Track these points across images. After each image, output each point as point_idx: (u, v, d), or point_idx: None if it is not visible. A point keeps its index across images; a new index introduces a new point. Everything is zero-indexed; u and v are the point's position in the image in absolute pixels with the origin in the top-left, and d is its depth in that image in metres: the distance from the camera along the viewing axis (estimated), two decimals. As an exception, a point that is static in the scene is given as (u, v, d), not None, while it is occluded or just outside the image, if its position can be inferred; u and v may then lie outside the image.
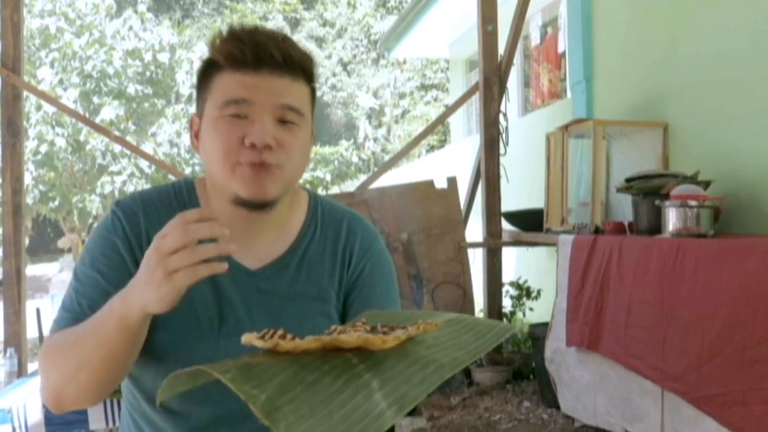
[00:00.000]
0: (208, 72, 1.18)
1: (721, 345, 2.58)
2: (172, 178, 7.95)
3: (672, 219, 3.16)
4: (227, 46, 1.14)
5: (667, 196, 3.26)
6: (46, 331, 5.17)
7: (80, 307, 1.15)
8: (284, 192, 1.20)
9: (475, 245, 5.03)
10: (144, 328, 1.06)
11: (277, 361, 0.85)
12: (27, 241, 6.32)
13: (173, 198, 1.25)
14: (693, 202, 3.12)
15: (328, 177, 16.24)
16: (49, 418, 2.61)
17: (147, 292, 0.97)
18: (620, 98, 4.65)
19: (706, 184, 3.37)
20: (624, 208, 4.02)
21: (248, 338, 0.87)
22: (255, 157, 1.13)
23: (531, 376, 4.71)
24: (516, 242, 5.11)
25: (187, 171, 12.18)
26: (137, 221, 1.20)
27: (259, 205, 1.17)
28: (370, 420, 0.76)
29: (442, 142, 15.83)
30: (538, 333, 4.22)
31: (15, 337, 4.68)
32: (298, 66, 1.17)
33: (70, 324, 1.14)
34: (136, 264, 1.17)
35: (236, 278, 1.21)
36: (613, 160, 4.42)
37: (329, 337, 0.85)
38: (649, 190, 3.45)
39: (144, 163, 11.65)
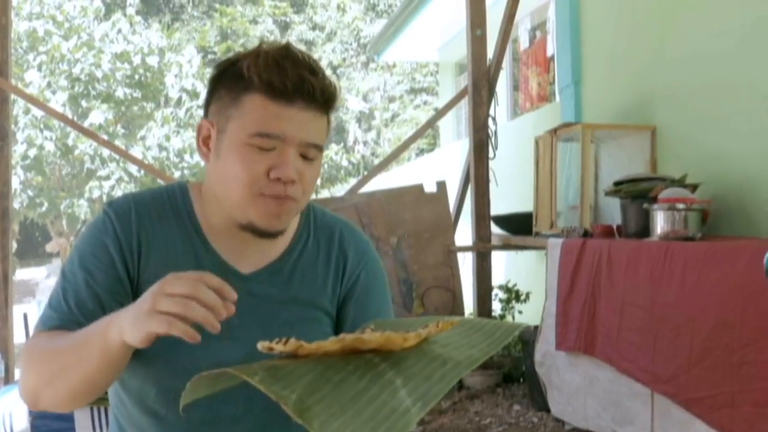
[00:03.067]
0: (237, 86, 1.15)
1: (709, 347, 2.59)
2: (161, 182, 7.92)
3: (660, 222, 3.17)
4: (269, 74, 1.11)
5: (655, 199, 3.27)
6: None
7: (67, 307, 1.14)
8: (292, 219, 1.23)
9: (464, 249, 5.03)
10: (124, 356, 1.03)
11: (301, 363, 0.87)
12: (14, 245, 6.27)
13: (166, 201, 1.24)
14: (681, 205, 3.13)
15: (318, 181, 16.21)
16: (36, 426, 2.59)
17: (129, 318, 0.96)
18: (608, 102, 4.66)
19: (694, 187, 3.38)
20: (613, 212, 4.03)
21: (264, 345, 0.89)
22: (278, 191, 1.14)
23: (521, 380, 4.71)
24: (505, 246, 5.11)
25: (176, 175, 12.15)
26: (129, 222, 1.20)
27: (269, 235, 1.19)
28: (397, 417, 0.79)
29: (432, 146, 15.85)
30: (527, 336, 4.22)
31: (2, 343, 4.65)
32: (330, 101, 1.18)
33: (57, 324, 1.13)
34: (126, 266, 1.17)
35: (228, 282, 1.20)
36: (601, 164, 4.44)
37: (351, 337, 0.87)
38: (638, 194, 3.46)
39: (133, 168, 11.63)
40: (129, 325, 0.95)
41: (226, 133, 1.15)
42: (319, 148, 1.18)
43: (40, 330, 1.14)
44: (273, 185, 1.14)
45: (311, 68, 1.14)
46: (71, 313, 1.13)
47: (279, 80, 1.11)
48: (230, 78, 1.16)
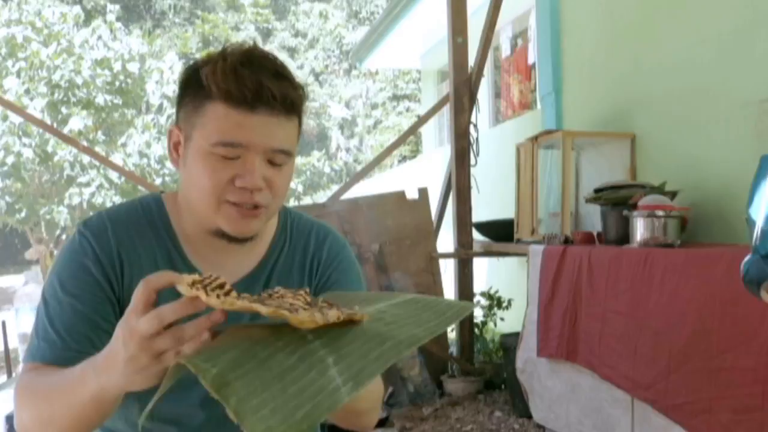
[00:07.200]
0: (198, 94, 1.12)
1: (688, 354, 2.61)
2: (142, 189, 7.87)
3: (640, 229, 3.20)
4: (227, 83, 1.08)
5: (634, 207, 3.30)
6: (11, 344, 5.08)
7: (57, 335, 1.11)
8: (265, 224, 1.21)
9: (446, 256, 5.04)
10: (120, 399, 1.00)
11: (229, 337, 0.85)
12: (-8, 253, 6.19)
13: (142, 216, 1.23)
14: (660, 212, 3.16)
15: (300, 188, 16.23)
16: (13, 434, 2.56)
17: (131, 374, 0.90)
18: (588, 109, 4.70)
19: (673, 195, 3.41)
20: (593, 219, 4.06)
21: (191, 293, 0.85)
22: (244, 198, 1.12)
23: (502, 386, 4.72)
24: (487, 253, 5.13)
25: (158, 182, 12.07)
26: (107, 240, 1.18)
27: (240, 240, 1.17)
28: (324, 396, 0.76)
29: (414, 153, 15.88)
30: (509, 343, 4.23)
31: (-21, 352, 4.59)
32: (294, 105, 1.14)
33: (49, 357, 1.10)
34: (111, 285, 1.15)
35: None
36: (582, 171, 4.47)
37: (254, 297, 0.86)
38: (617, 201, 3.48)
39: (113, 174, 11.53)
40: (138, 379, 0.90)
41: (191, 141, 1.14)
42: (288, 153, 1.15)
43: (30, 362, 1.11)
44: (239, 192, 1.12)
45: (274, 72, 1.11)
46: (63, 341, 1.11)
47: (237, 89, 1.08)
48: (193, 86, 1.13)
